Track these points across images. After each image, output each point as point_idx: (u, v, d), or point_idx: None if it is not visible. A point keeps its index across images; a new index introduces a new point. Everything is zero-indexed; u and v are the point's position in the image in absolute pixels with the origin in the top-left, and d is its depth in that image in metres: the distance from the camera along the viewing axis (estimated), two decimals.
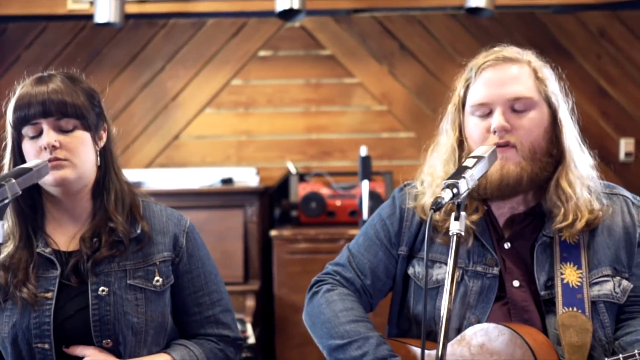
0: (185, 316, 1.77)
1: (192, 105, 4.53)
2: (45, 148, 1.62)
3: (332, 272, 1.86)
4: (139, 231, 1.71)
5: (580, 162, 1.72)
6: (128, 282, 1.69)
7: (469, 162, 1.53)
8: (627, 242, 1.71)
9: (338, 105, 4.55)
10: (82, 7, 4.14)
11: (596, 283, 1.67)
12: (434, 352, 1.43)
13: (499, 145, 1.64)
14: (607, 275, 1.68)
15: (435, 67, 4.45)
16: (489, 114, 1.68)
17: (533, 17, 4.52)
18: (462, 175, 1.46)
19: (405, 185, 1.88)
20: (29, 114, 1.63)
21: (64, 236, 1.73)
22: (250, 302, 3.89)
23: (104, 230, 1.70)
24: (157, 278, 1.71)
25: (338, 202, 4.17)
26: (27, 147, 1.66)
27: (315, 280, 1.87)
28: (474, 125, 1.71)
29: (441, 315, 1.37)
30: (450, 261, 1.40)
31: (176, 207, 4.01)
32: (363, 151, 4.00)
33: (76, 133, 1.67)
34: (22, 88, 1.67)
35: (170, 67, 4.51)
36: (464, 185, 1.45)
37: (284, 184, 4.42)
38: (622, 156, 4.55)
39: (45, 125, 1.63)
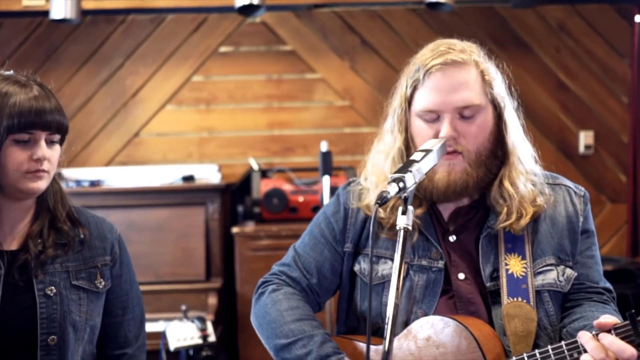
0: (109, 317, 1.84)
1: (152, 102, 4.49)
2: (37, 159, 1.67)
3: (278, 272, 1.85)
4: (81, 235, 1.78)
5: (525, 157, 1.72)
6: (73, 282, 1.75)
7: (416, 156, 1.52)
8: (570, 231, 1.72)
9: (300, 101, 4.54)
10: (37, 3, 4.08)
11: (540, 272, 1.68)
12: (381, 347, 1.42)
13: (447, 153, 1.64)
14: (551, 265, 1.69)
15: (397, 62, 4.45)
16: (437, 119, 1.67)
17: (493, 12, 4.55)
18: (409, 169, 1.46)
19: (349, 183, 1.87)
20: (32, 124, 1.67)
21: (7, 235, 1.75)
22: (213, 300, 3.87)
23: (50, 231, 1.76)
24: (99, 280, 1.79)
25: (300, 198, 4.16)
26: (13, 150, 1.67)
27: (262, 281, 1.86)
28: (421, 130, 1.69)
29: (387, 309, 1.36)
30: (398, 255, 1.40)
31: (137, 206, 4.02)
32: (324, 147, 3.99)
33: (57, 146, 1.74)
34: (12, 96, 1.67)
35: (129, 63, 4.46)
36: (411, 179, 1.44)
37: (246, 181, 4.40)
38: (581, 149, 4.59)
39: (41, 137, 1.69)
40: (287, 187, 4.18)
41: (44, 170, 1.68)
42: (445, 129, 1.64)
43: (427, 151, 1.54)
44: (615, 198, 4.64)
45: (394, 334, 1.34)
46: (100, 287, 1.78)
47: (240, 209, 4.30)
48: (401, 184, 1.42)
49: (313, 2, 4.33)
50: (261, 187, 4.19)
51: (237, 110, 4.53)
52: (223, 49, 4.50)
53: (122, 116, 4.48)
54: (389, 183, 1.42)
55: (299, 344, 1.68)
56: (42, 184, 1.70)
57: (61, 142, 1.75)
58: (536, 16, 4.57)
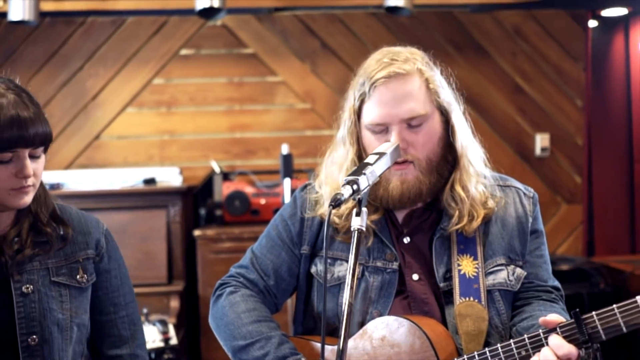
0: (100, 315, 1.79)
1: (112, 104, 4.47)
2: (23, 177, 1.60)
3: (235, 274, 1.87)
4: (61, 233, 1.73)
5: (475, 160, 1.77)
6: (52, 279, 1.70)
7: (370, 159, 1.56)
8: (520, 231, 1.78)
9: (261, 104, 4.56)
10: None
11: (491, 272, 1.73)
12: (337, 347, 1.45)
13: (397, 163, 1.67)
14: (502, 265, 1.74)
15: (357, 65, 4.40)
16: (386, 130, 1.71)
17: (451, 16, 4.62)
18: (363, 171, 1.49)
19: (306, 186, 1.90)
20: (12, 142, 1.57)
21: None
22: (175, 303, 3.87)
23: (29, 232, 1.71)
24: (81, 274, 1.73)
25: (262, 201, 4.18)
26: None
27: (219, 283, 1.88)
28: (372, 142, 1.73)
29: (342, 309, 1.39)
30: (352, 256, 1.43)
31: (97, 209, 4.00)
32: (284, 149, 4.02)
33: (42, 158, 1.66)
34: None
35: (89, 66, 4.44)
36: (365, 182, 1.47)
37: (208, 183, 4.41)
38: (538, 151, 4.69)
39: (23, 154, 1.60)
40: (248, 190, 4.20)
41: (30, 185, 1.62)
42: (393, 140, 1.68)
43: (381, 154, 1.57)
44: (571, 199, 4.75)
45: (348, 333, 1.37)
46: (83, 281, 1.72)
47: (202, 211, 4.30)
48: (355, 186, 1.45)
49: (274, 5, 4.35)
50: (223, 189, 4.20)
51: (198, 112, 4.53)
52: (184, 51, 4.50)
53: (82, 119, 4.45)
54: (343, 185, 1.45)
55: (256, 345, 1.71)
56: (27, 199, 1.64)
57: (45, 150, 1.67)
58: (493, 21, 4.65)
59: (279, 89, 4.56)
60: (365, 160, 1.55)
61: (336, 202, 1.42)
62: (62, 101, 4.43)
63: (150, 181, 4.15)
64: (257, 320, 1.75)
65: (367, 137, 1.74)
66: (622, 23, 4.75)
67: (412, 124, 1.69)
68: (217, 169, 4.33)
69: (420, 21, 4.57)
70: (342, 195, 1.43)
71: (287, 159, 3.96)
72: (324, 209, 1.79)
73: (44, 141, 1.63)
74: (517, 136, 4.68)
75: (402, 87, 1.68)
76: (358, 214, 1.44)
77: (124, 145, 4.49)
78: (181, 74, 4.50)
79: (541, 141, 4.68)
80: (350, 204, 1.71)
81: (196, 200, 4.46)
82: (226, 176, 4.34)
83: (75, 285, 1.72)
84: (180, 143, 4.53)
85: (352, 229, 1.44)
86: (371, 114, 1.71)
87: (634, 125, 4.72)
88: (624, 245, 4.81)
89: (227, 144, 4.55)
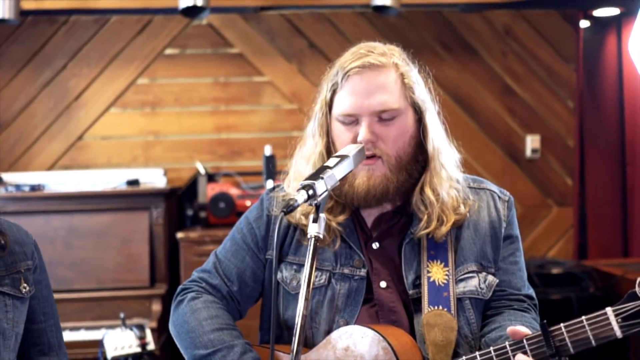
0: (32, 323, 1.79)
1: (96, 104, 4.40)
2: None
3: (197, 279, 1.80)
4: (1, 241, 1.73)
5: (448, 163, 1.69)
6: None
7: (330, 162, 1.49)
8: (493, 236, 1.70)
9: (247, 104, 4.49)
10: None
11: (462, 280, 1.66)
12: (301, 356, 1.38)
13: (366, 158, 1.61)
14: (473, 272, 1.67)
15: None
16: (356, 122, 1.64)
17: (440, 16, 4.55)
18: (320, 175, 1.42)
19: (274, 188, 1.83)
20: None
21: None
22: (157, 307, 3.81)
23: None
24: (24, 285, 1.74)
25: (247, 202, 4.11)
26: None
27: (181, 288, 1.81)
28: (341, 133, 1.67)
29: (295, 320, 1.33)
30: (307, 265, 1.36)
31: (79, 211, 3.93)
32: (267, 150, 3.95)
33: None
34: None
35: (72, 65, 4.37)
36: (322, 187, 1.40)
37: (193, 185, 4.34)
38: (528, 153, 4.62)
39: None
40: (233, 192, 4.13)
41: None
42: (362, 132, 1.62)
43: (343, 157, 1.50)
44: (562, 201, 4.69)
45: (300, 346, 1.31)
46: (24, 292, 1.73)
47: (190, 212, 4.24)
48: (311, 192, 1.38)
49: (260, 4, 4.29)
50: (207, 191, 4.13)
51: (183, 113, 4.46)
52: (169, 51, 4.44)
53: (64, 119, 4.38)
54: (297, 190, 1.38)
55: (218, 354, 1.64)
56: None
57: None
58: (483, 21, 4.59)
59: (266, 89, 4.50)
60: (326, 164, 1.48)
61: (288, 208, 1.35)
62: (45, 101, 4.36)
63: (133, 182, 4.08)
64: (220, 328, 1.67)
65: (337, 129, 1.67)
66: (614, 23, 4.69)
67: (383, 117, 1.63)
68: (202, 170, 4.26)
69: (409, 21, 4.50)
70: (296, 200, 1.35)
71: (270, 160, 3.89)
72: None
73: None
74: (508, 137, 4.62)
75: (376, 79, 1.63)
76: (315, 220, 1.37)
77: (107, 146, 4.42)
78: (166, 74, 4.44)
79: (532, 143, 4.61)
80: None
81: (181, 202, 4.39)
82: (211, 177, 4.28)
83: (18, 296, 1.73)
84: (165, 144, 4.46)
85: (308, 236, 1.37)
86: (342, 104, 1.65)
87: (626, 127, 4.66)
88: (616, 249, 4.75)
89: (212, 144, 4.48)
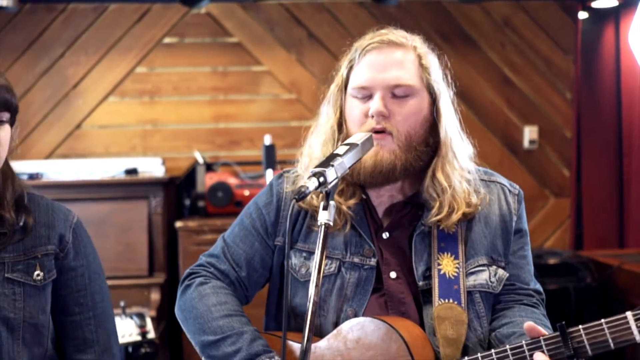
0: (64, 315, 1.66)
1: (94, 93, 4.38)
2: None
3: (205, 263, 1.78)
4: (21, 223, 1.61)
5: (460, 153, 1.68)
6: (6, 275, 1.58)
7: (340, 150, 1.48)
8: (504, 230, 1.70)
9: (246, 94, 4.48)
10: None
11: (472, 273, 1.66)
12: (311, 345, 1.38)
13: (375, 132, 1.60)
14: (483, 265, 1.67)
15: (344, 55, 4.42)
16: (370, 97, 1.64)
17: (440, 6, 4.55)
18: (331, 163, 1.41)
19: (283, 173, 1.82)
20: None
21: None
22: (155, 296, 3.81)
23: None
24: (37, 272, 1.61)
25: (246, 192, 4.11)
26: None
27: (188, 272, 1.79)
28: (353, 108, 1.66)
29: (307, 306, 1.33)
30: (318, 251, 1.35)
31: (77, 199, 3.93)
32: (267, 140, 3.95)
33: (6, 126, 1.58)
34: None
35: (70, 53, 4.35)
36: (332, 174, 1.40)
37: (191, 174, 4.34)
38: (526, 144, 4.64)
39: None
40: (232, 181, 4.13)
41: None
42: (375, 104, 1.61)
43: (352, 145, 1.50)
44: (559, 192, 4.71)
45: (312, 332, 1.31)
46: (38, 279, 1.60)
47: (187, 202, 4.24)
48: (321, 179, 1.37)
49: None
50: (206, 180, 4.13)
51: (181, 102, 4.45)
52: (167, 40, 4.42)
53: (62, 107, 4.36)
54: (308, 177, 1.38)
55: (227, 341, 1.63)
56: None
57: (11, 123, 1.59)
58: (482, 11, 4.59)
59: (264, 78, 4.49)
60: (335, 151, 1.47)
61: (300, 195, 1.34)
62: (43, 89, 4.34)
63: (132, 171, 4.08)
64: (229, 314, 1.67)
65: (350, 104, 1.67)
66: (612, 15, 4.70)
67: (396, 92, 1.62)
68: (200, 160, 4.26)
69: (408, 11, 4.50)
70: (307, 188, 1.35)
71: (270, 150, 3.89)
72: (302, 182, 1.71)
73: (8, 106, 1.56)
74: (506, 128, 4.63)
75: (393, 54, 1.64)
76: (325, 208, 1.37)
77: (105, 134, 4.41)
78: (164, 63, 4.42)
79: (529, 134, 4.63)
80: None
81: (179, 191, 4.38)
82: (209, 167, 4.27)
83: (31, 284, 1.61)
84: (163, 133, 4.45)
85: (318, 223, 1.37)
86: (357, 77, 1.65)
87: (623, 119, 4.67)
88: (613, 239, 4.78)
89: (211, 134, 4.48)
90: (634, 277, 3.79)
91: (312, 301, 1.33)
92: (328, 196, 1.39)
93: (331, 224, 1.37)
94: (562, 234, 4.71)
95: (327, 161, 1.43)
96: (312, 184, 1.36)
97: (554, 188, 4.70)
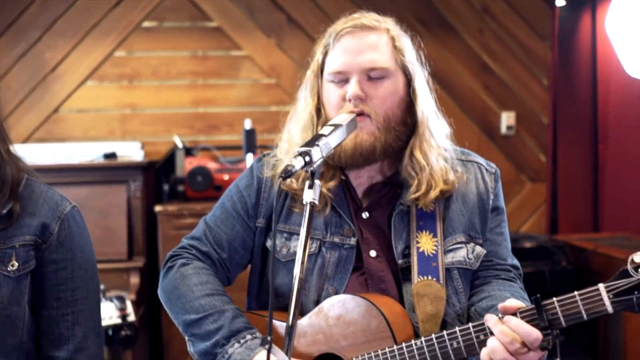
0: (42, 308, 1.60)
1: (72, 77, 4.35)
2: None
3: (187, 246, 1.81)
4: (5, 211, 1.55)
5: (436, 131, 1.72)
6: None
7: (325, 130, 1.51)
8: (481, 208, 1.73)
9: (225, 78, 4.48)
10: None
11: (450, 250, 1.69)
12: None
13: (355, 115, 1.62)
14: (461, 242, 1.70)
15: None
16: (346, 81, 1.66)
17: None
18: (316, 143, 1.44)
19: (264, 155, 1.85)
20: None
21: None
22: (135, 279, 3.81)
23: None
24: (12, 262, 1.55)
25: (225, 176, 4.12)
26: None
27: (170, 254, 1.82)
28: (330, 93, 1.69)
29: (292, 283, 1.35)
30: (303, 230, 1.38)
31: (55, 184, 3.86)
32: (247, 124, 3.96)
33: None
34: None
35: (48, 37, 4.31)
36: (317, 154, 1.42)
37: (170, 159, 4.33)
38: (503, 129, 4.69)
39: None
40: (211, 165, 4.13)
41: None
42: (351, 88, 1.64)
43: (337, 126, 1.53)
44: (535, 177, 4.77)
45: (298, 308, 1.33)
46: (11, 270, 1.54)
47: (166, 187, 4.23)
48: (307, 158, 1.40)
49: None
50: (185, 165, 4.13)
51: (161, 87, 4.44)
52: (146, 24, 4.40)
53: (40, 91, 4.33)
54: (294, 157, 1.40)
55: (209, 319, 1.66)
56: None
57: None
58: None
59: (244, 63, 4.49)
60: (320, 132, 1.50)
61: (287, 174, 1.37)
62: (20, 73, 4.31)
63: (110, 156, 4.06)
64: (210, 293, 1.69)
65: (327, 89, 1.70)
66: (589, 2, 4.74)
67: (372, 75, 1.65)
68: (179, 144, 4.25)
69: None
70: (293, 166, 1.38)
71: (250, 134, 3.90)
72: (282, 167, 1.72)
73: None
74: (483, 114, 4.67)
75: (367, 38, 1.66)
76: (311, 187, 1.39)
77: (84, 119, 4.39)
78: (143, 47, 4.40)
79: (507, 119, 4.68)
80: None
81: (158, 176, 4.38)
82: (189, 151, 4.27)
83: (4, 274, 1.54)
84: (142, 117, 4.44)
85: (304, 202, 1.39)
86: (333, 62, 1.67)
87: (599, 105, 4.73)
88: (587, 224, 4.84)
89: (190, 118, 4.47)
90: (608, 260, 3.86)
91: (298, 278, 1.35)
92: (313, 175, 1.41)
93: (317, 202, 1.40)
94: (538, 219, 4.78)
95: (313, 141, 1.45)
96: (298, 163, 1.39)
97: (530, 173, 4.76)
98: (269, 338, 1.17)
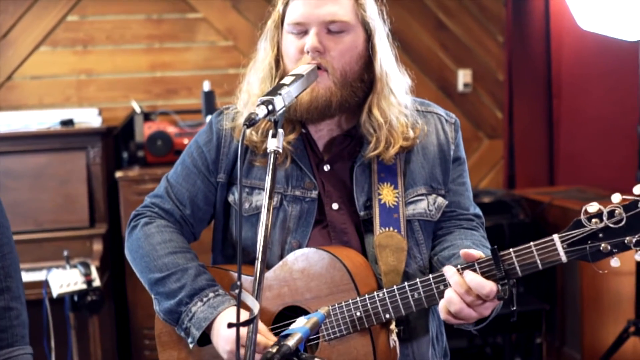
0: None
1: (25, 43, 4.26)
2: None
3: (150, 204, 1.82)
4: None
5: (396, 88, 1.72)
6: None
7: (286, 80, 1.51)
8: (442, 159, 1.76)
9: (182, 42, 4.43)
10: None
11: (411, 202, 1.71)
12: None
13: None
14: (422, 195, 1.73)
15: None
16: (305, 33, 1.65)
17: None
18: (278, 92, 1.44)
19: (223, 110, 1.85)
20: None
21: None
22: (98, 246, 3.80)
23: None
24: None
25: (185, 140, 4.10)
26: None
27: (134, 214, 1.83)
28: (289, 44, 1.68)
29: (259, 235, 1.36)
30: (268, 178, 1.39)
31: (13, 152, 3.84)
32: (206, 86, 3.94)
33: None
34: None
35: None
36: (280, 102, 1.43)
37: (129, 124, 4.29)
38: (460, 87, 4.73)
39: None
40: (171, 130, 4.11)
41: None
42: (310, 40, 1.63)
43: (298, 76, 1.53)
44: (492, 134, 4.84)
45: (266, 258, 1.35)
46: None
47: (125, 154, 4.20)
48: (270, 107, 1.40)
49: None
50: (144, 130, 4.10)
51: (116, 51, 4.38)
52: None
53: None
54: (257, 105, 1.40)
55: (172, 277, 1.68)
56: None
57: None
58: None
59: (200, 26, 4.44)
60: (282, 82, 1.50)
61: (250, 122, 1.37)
62: None
63: (67, 122, 4.01)
64: (173, 251, 1.71)
65: (286, 40, 1.69)
66: None
67: (331, 28, 1.64)
68: (137, 109, 4.22)
69: None
70: (257, 115, 1.38)
71: (209, 96, 3.88)
72: (241, 120, 1.72)
73: None
74: (440, 72, 4.71)
75: None
76: (274, 136, 1.40)
77: (38, 85, 4.31)
78: (96, 11, 4.32)
79: (463, 77, 4.72)
80: (267, 124, 1.67)
81: (117, 142, 4.34)
82: (147, 116, 4.24)
83: None
84: (99, 83, 4.38)
85: (268, 150, 1.40)
86: (293, 13, 1.66)
87: (552, 62, 4.80)
88: (543, 178, 4.95)
89: (147, 83, 4.42)
90: (564, 212, 3.97)
91: (265, 225, 1.36)
92: (276, 124, 1.42)
93: (280, 150, 1.40)
94: (496, 175, 4.86)
95: (275, 90, 1.46)
96: (261, 111, 1.39)
97: (487, 130, 4.83)
98: (238, 283, 1.19)
